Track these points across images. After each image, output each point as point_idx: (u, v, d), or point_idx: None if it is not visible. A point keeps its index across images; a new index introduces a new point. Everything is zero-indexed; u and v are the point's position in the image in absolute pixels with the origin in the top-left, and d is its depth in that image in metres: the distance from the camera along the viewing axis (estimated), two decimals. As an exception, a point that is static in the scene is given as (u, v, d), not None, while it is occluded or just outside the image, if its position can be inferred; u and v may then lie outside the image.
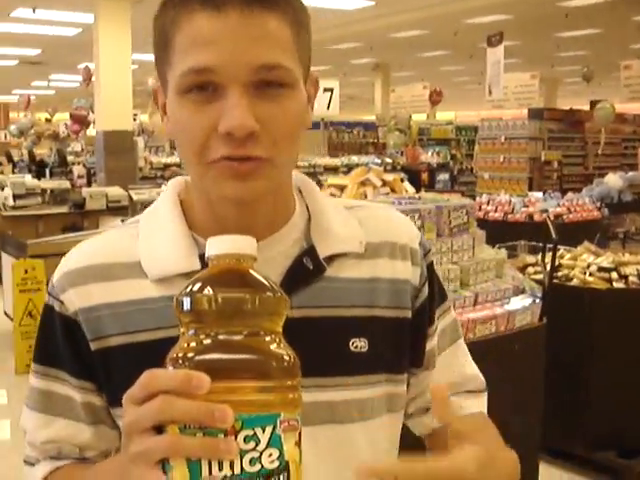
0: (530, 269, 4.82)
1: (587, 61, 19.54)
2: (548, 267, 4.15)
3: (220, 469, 0.70)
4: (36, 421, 1.09)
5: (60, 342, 1.05)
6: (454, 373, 1.21)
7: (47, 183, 10.87)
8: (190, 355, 0.72)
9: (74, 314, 1.03)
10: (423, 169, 12.74)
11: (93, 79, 12.75)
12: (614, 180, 11.14)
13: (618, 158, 16.06)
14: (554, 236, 3.81)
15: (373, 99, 23.34)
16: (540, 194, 8.87)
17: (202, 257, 1.00)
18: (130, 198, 8.74)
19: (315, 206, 1.11)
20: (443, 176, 13.21)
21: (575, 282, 4.57)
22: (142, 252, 1.05)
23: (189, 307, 0.75)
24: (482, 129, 14.74)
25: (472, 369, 1.25)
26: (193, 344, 0.73)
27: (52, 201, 10.08)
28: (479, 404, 1.23)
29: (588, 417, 4.42)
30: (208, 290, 0.74)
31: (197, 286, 0.76)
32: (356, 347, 1.04)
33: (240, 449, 0.70)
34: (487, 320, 3.26)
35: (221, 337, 0.73)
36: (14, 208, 9.61)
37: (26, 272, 6.64)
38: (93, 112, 13.19)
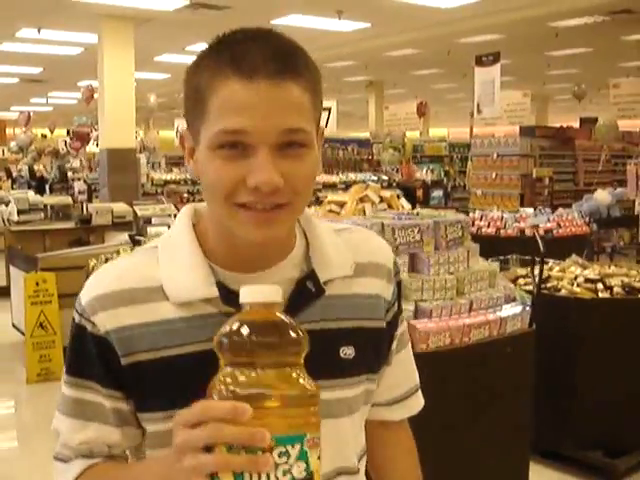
0: (521, 280, 5.07)
1: (577, 79, 19.79)
2: (537, 278, 4.38)
3: (259, 479, 0.88)
4: (71, 425, 1.22)
5: (92, 357, 1.18)
6: (407, 369, 1.45)
7: (50, 199, 11.05)
8: (232, 388, 0.90)
9: (105, 334, 1.15)
10: (418, 186, 12.94)
11: (95, 96, 12.99)
12: (603, 196, 11.33)
13: (608, 174, 16.26)
14: (542, 249, 4.04)
15: (367, 116, 23.55)
16: (531, 210, 8.98)
17: (218, 284, 1.17)
18: (135, 214, 8.96)
19: (312, 234, 1.27)
20: (437, 193, 13.44)
21: (563, 292, 4.80)
22: (164, 278, 1.18)
23: (227, 347, 0.93)
24: (474, 146, 14.89)
25: (414, 365, 1.48)
26: (234, 378, 0.91)
27: (54, 216, 10.27)
28: (420, 398, 1.48)
29: (576, 419, 4.63)
30: (244, 332, 0.92)
31: (234, 329, 0.93)
32: (345, 354, 1.23)
33: (275, 463, 0.88)
34: (481, 325, 3.48)
35: (257, 372, 0.91)
36: (18, 223, 9.81)
37: (37, 285, 6.81)
38: (96, 129, 13.40)
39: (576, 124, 19.47)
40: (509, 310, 3.69)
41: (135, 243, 7.14)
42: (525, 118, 15.16)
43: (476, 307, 3.58)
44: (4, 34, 14.13)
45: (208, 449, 0.90)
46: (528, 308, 3.76)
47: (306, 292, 1.21)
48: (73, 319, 1.21)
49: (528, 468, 3.95)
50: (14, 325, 8.08)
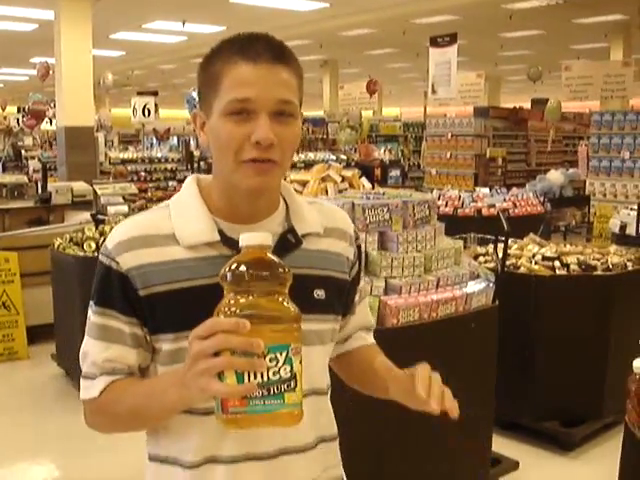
0: (481, 258, 5.24)
1: (529, 60, 20.08)
2: (497, 256, 4.51)
3: (255, 377, 1.17)
4: (98, 346, 1.49)
5: (115, 291, 1.46)
6: (366, 317, 1.82)
7: (5, 177, 10.89)
8: (234, 309, 1.19)
9: (126, 271, 1.45)
10: (376, 165, 13.02)
11: (51, 73, 12.81)
12: (556, 176, 11.60)
13: (559, 155, 16.58)
14: (506, 228, 4.16)
15: (320, 95, 23.58)
16: (487, 190, 9.11)
17: (219, 231, 1.47)
18: (95, 193, 8.93)
19: (291, 199, 1.60)
20: (395, 172, 13.54)
21: (522, 270, 4.97)
22: (175, 227, 1.48)
23: (230, 279, 1.21)
24: (429, 126, 15.10)
25: (370, 314, 1.86)
26: (236, 302, 1.19)
27: (9, 195, 10.15)
28: (372, 336, 1.83)
29: (534, 391, 4.81)
30: (243, 268, 1.21)
31: (235, 265, 1.22)
32: (318, 295, 1.54)
33: (267, 366, 1.17)
34: (448, 301, 3.61)
35: (253, 297, 1.19)
36: (-27, 203, 9.65)
37: (-2, 264, 6.82)
38: (52, 107, 13.24)
39: (527, 105, 19.75)
40: (474, 286, 3.81)
41: (97, 222, 7.14)
42: (479, 99, 15.32)
43: (443, 284, 3.71)
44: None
45: (216, 356, 1.18)
46: (492, 285, 3.90)
47: (287, 243, 1.53)
48: (99, 262, 1.50)
49: (491, 440, 4.11)
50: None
